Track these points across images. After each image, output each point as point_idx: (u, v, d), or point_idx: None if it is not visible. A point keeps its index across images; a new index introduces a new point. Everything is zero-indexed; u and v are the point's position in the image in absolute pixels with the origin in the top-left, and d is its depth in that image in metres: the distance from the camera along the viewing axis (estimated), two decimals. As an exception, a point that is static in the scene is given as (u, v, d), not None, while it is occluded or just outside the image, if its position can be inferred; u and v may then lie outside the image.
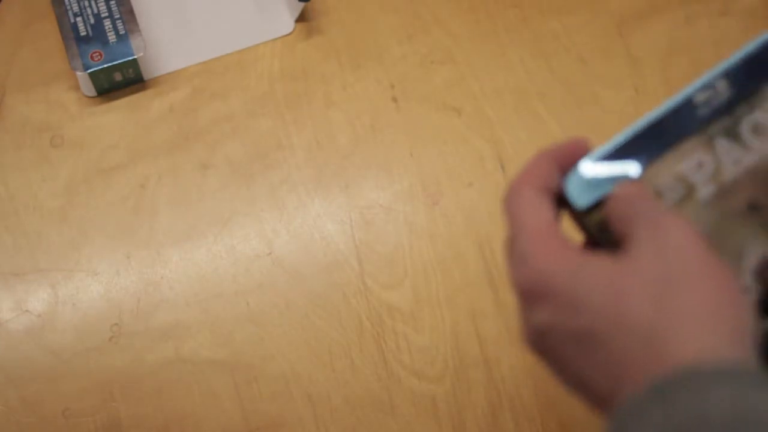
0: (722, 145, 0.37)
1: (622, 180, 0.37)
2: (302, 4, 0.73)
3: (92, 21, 0.70)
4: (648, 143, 0.37)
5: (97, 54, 0.68)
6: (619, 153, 0.37)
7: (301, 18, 0.74)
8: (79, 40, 0.69)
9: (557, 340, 0.34)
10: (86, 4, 0.71)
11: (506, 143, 0.66)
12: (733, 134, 0.37)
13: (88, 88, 0.70)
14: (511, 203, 0.37)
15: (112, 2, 0.71)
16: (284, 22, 0.75)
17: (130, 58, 0.68)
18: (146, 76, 0.72)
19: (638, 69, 0.74)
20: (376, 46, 0.74)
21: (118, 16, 0.70)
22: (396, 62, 0.73)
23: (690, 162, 0.37)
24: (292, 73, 0.73)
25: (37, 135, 0.69)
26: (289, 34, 0.74)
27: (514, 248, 0.37)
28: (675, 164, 0.37)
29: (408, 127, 0.71)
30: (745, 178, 0.37)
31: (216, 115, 0.71)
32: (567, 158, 0.39)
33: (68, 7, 0.70)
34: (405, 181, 0.69)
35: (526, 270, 0.35)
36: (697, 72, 0.77)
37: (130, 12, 0.70)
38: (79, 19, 0.70)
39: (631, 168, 0.37)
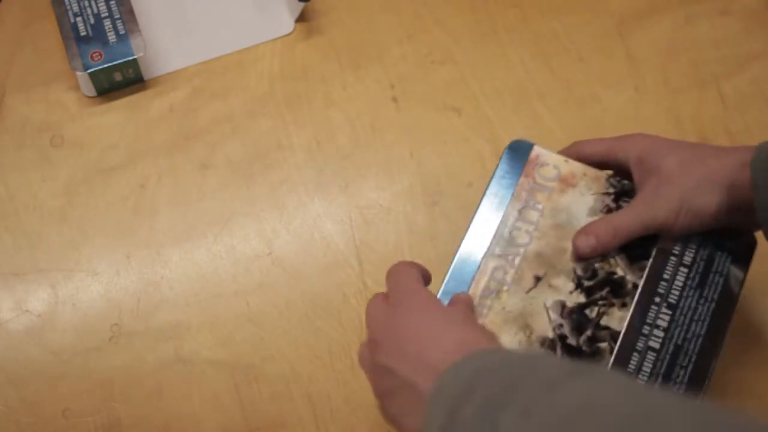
0: (502, 255, 0.55)
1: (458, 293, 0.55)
2: (302, 4, 0.73)
3: (92, 21, 0.70)
4: (464, 272, 0.55)
5: (97, 54, 0.68)
6: (452, 284, 0.55)
7: (301, 18, 0.74)
8: (79, 40, 0.69)
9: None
10: (86, 4, 0.71)
11: (506, 143, 0.66)
12: (504, 244, 0.56)
13: (88, 88, 0.70)
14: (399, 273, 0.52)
15: (112, 2, 0.71)
16: (284, 22, 0.75)
17: (130, 58, 0.68)
18: (146, 76, 0.72)
19: (638, 69, 0.74)
20: (376, 46, 0.74)
21: (118, 16, 0.70)
22: (396, 62, 0.73)
23: (490, 270, 0.55)
24: (292, 73, 0.73)
25: (37, 135, 0.69)
26: (289, 34, 0.74)
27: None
28: (484, 277, 0.55)
29: (408, 127, 0.71)
30: (524, 265, 0.55)
31: (216, 115, 0.71)
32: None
33: (68, 7, 0.70)
34: (405, 181, 0.69)
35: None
36: (697, 72, 0.77)
37: (130, 12, 0.70)
38: (79, 19, 0.70)
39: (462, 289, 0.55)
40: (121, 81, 0.70)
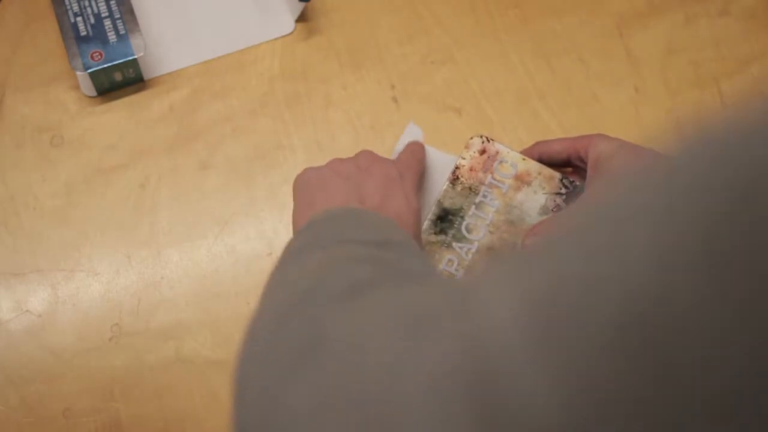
0: (456, 246, 0.59)
1: None
2: (302, 4, 0.73)
3: (92, 21, 0.70)
4: None
5: (97, 54, 0.68)
6: None
7: (301, 18, 0.74)
8: (79, 39, 0.69)
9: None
10: (86, 3, 0.70)
11: (506, 143, 0.66)
12: (459, 237, 0.59)
13: (88, 87, 0.70)
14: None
15: (112, 2, 0.71)
16: (284, 22, 0.75)
17: (130, 58, 0.68)
18: (146, 76, 0.72)
19: (638, 69, 0.74)
20: (376, 46, 0.74)
21: (118, 15, 0.70)
22: (396, 62, 0.73)
23: (446, 261, 0.58)
24: (292, 73, 0.73)
25: (37, 135, 0.69)
26: (289, 34, 0.74)
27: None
28: (437, 266, 0.58)
29: (408, 127, 0.71)
30: (476, 258, 0.58)
31: (216, 115, 0.71)
32: None
33: (68, 7, 0.70)
34: (405, 181, 0.69)
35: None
36: (697, 72, 0.77)
37: (131, 12, 0.70)
38: (79, 18, 0.70)
39: None
40: (121, 81, 0.70)
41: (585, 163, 0.61)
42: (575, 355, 0.23)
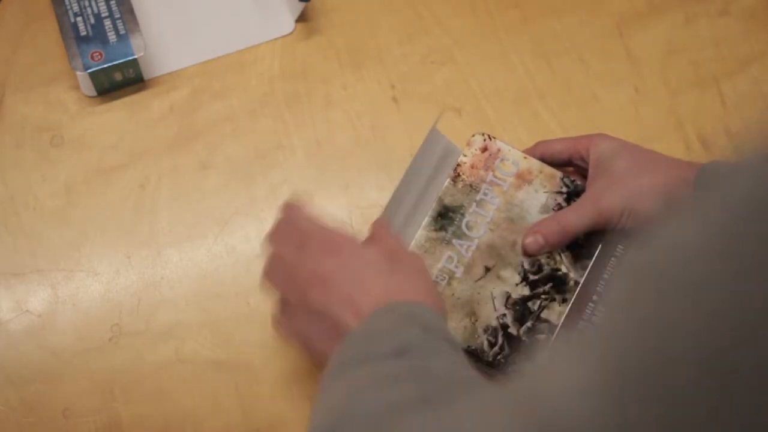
0: (456, 243, 0.58)
1: None
2: (302, 4, 0.73)
3: (92, 21, 0.70)
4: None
5: (97, 54, 0.68)
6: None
7: (301, 18, 0.74)
8: (79, 39, 0.69)
9: None
10: (86, 4, 0.70)
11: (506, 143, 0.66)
12: (459, 234, 0.59)
13: (88, 87, 0.70)
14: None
15: (112, 2, 0.71)
16: (284, 22, 0.75)
17: (130, 58, 0.68)
18: (146, 76, 0.72)
19: (638, 69, 0.74)
20: (376, 46, 0.74)
21: (118, 16, 0.70)
22: (396, 62, 0.73)
23: (445, 258, 0.58)
24: (292, 73, 0.73)
25: (37, 135, 0.69)
26: (289, 34, 0.74)
27: None
28: (437, 263, 0.58)
29: (408, 127, 0.71)
30: (476, 255, 0.58)
31: (216, 115, 0.71)
32: None
33: (68, 7, 0.70)
34: (405, 181, 0.69)
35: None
36: (697, 72, 0.77)
37: (130, 12, 0.70)
38: (79, 18, 0.70)
39: None
40: (121, 81, 0.70)
41: (586, 162, 0.61)
42: (656, 410, 0.24)
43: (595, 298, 0.57)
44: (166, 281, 0.65)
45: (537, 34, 0.75)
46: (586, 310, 0.56)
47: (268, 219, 0.67)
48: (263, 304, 0.64)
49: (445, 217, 0.60)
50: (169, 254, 0.66)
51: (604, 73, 0.74)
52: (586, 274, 0.58)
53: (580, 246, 0.59)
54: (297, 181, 0.69)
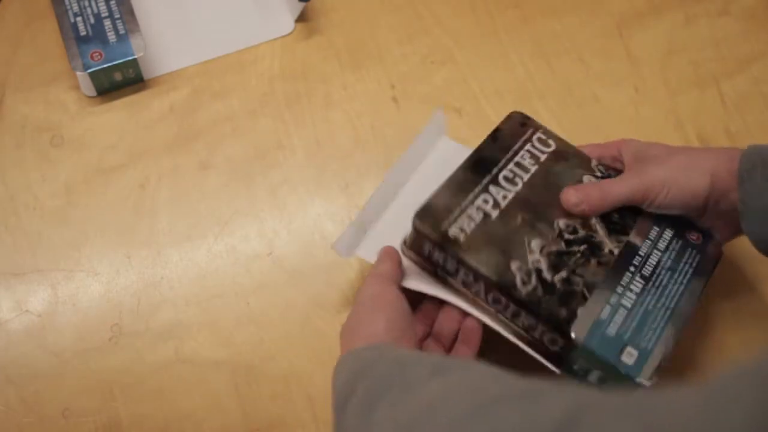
0: (492, 189, 0.58)
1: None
2: (302, 4, 0.73)
3: (92, 21, 0.70)
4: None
5: (97, 54, 0.68)
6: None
7: (301, 18, 0.74)
8: (79, 40, 0.69)
9: None
10: (86, 4, 0.71)
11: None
12: (496, 182, 0.59)
13: (88, 87, 0.70)
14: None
15: (112, 2, 0.71)
16: (284, 22, 0.75)
17: (130, 58, 0.68)
18: (146, 76, 0.72)
19: (638, 69, 0.74)
20: (376, 46, 0.74)
21: (118, 16, 0.70)
22: (396, 62, 0.73)
23: (481, 200, 0.57)
24: (292, 73, 0.73)
25: (37, 135, 0.69)
26: (289, 34, 0.74)
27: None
28: (474, 201, 0.57)
29: (408, 127, 0.71)
30: (512, 204, 0.58)
31: (216, 115, 0.71)
32: None
33: (68, 7, 0.70)
34: (405, 181, 0.69)
35: None
36: (697, 72, 0.77)
37: (130, 12, 0.70)
38: (79, 19, 0.70)
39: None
40: (121, 81, 0.70)
41: (617, 161, 0.62)
42: None
43: (632, 269, 0.56)
44: (166, 281, 0.65)
45: (537, 34, 0.75)
46: (624, 278, 0.56)
47: (267, 219, 0.67)
48: (263, 304, 0.64)
49: (482, 166, 0.59)
50: (169, 254, 0.66)
51: (604, 73, 0.74)
52: (622, 246, 0.57)
53: (614, 222, 0.59)
54: (297, 181, 0.69)
